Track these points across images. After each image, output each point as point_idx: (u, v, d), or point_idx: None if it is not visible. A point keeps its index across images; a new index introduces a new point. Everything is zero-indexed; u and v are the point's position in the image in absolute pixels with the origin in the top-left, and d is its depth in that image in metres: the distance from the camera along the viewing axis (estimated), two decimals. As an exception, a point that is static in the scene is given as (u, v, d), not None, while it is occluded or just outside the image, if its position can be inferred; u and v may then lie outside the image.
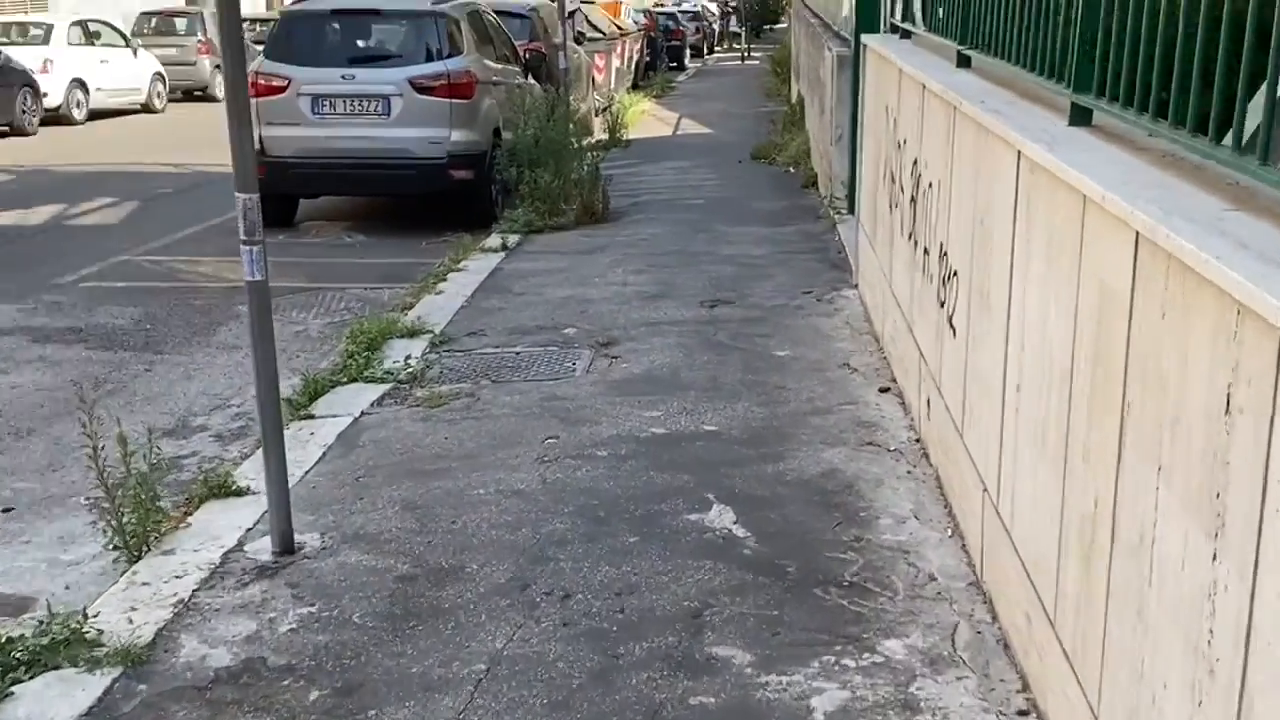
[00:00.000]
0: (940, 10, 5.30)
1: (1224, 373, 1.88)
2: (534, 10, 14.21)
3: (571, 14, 15.67)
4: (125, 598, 3.76)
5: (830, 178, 9.87)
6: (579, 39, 16.40)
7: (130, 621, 3.59)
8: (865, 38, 7.09)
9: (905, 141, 5.35)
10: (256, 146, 9.54)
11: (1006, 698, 3.08)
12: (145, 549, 4.10)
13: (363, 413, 5.37)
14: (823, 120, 10.81)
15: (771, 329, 6.53)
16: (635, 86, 22.34)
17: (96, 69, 19.48)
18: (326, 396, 5.61)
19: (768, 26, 46.28)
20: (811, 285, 7.46)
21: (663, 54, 28.31)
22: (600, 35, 18.72)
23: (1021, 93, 3.88)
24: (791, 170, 12.31)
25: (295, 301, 7.76)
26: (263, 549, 4.04)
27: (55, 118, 18.35)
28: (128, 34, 21.46)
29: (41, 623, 3.50)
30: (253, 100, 9.73)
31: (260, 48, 10.88)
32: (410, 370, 5.92)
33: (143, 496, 4.11)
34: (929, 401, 4.62)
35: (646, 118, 18.44)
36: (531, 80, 11.80)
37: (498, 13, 12.34)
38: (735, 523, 4.13)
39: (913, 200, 5.09)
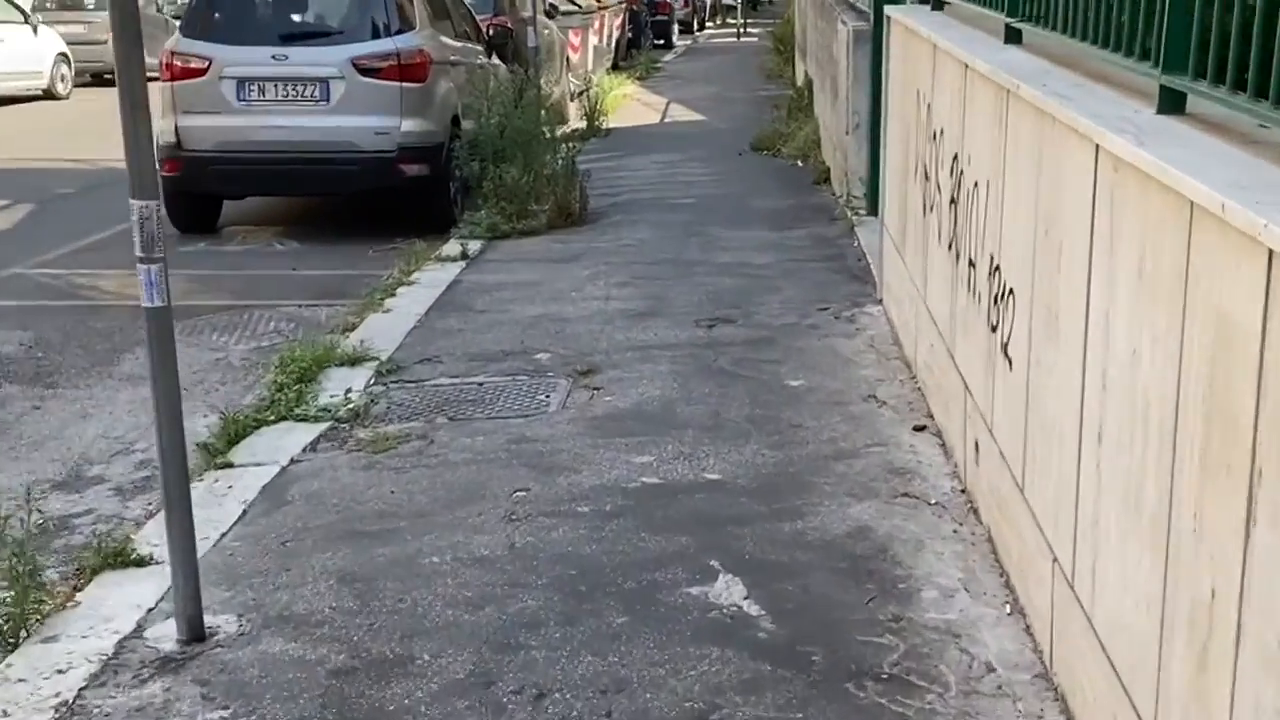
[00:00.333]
0: (983, -25, 5.09)
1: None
2: (499, -21, 14.04)
3: (542, -17, 15.51)
4: (-6, 700, 3.49)
5: (846, 172, 9.66)
6: (551, 13, 16.22)
7: (-2, 732, 3.32)
8: (889, 9, 6.88)
9: (942, 132, 5.13)
10: (172, 139, 9.44)
11: (1090, 825, 2.84)
12: (23, 635, 3.83)
13: (292, 460, 5.10)
14: (836, 106, 10.62)
15: (782, 353, 6.30)
16: (616, 67, 22.15)
17: (-11, 49, 19.22)
18: (249, 439, 5.34)
19: (767, -1, 46.29)
20: (827, 300, 7.23)
21: (647, 30, 28.15)
22: (576, 8, 18.55)
23: (1088, 73, 3.66)
24: (799, 164, 12.11)
25: (215, 323, 7.49)
26: (166, 635, 3.77)
27: (-62, 106, 18.10)
28: (26, 9, 21.17)
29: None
30: (167, 85, 9.63)
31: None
32: (351, 406, 5.67)
33: (19, 571, 3.84)
34: (977, 445, 4.38)
35: (630, 103, 18.25)
36: (496, 60, 11.59)
37: (457, -18, 12.15)
38: (746, 597, 3.88)
39: (953, 202, 4.86)
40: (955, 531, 4.29)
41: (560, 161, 9.96)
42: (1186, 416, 2.40)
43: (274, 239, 9.88)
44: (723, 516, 4.45)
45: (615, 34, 22.88)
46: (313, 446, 5.25)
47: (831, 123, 11.23)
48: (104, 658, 3.68)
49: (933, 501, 4.53)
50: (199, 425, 5.76)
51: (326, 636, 3.72)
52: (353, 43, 9.55)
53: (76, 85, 21.09)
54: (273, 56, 9.42)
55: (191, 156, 9.41)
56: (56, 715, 3.39)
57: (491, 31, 11.86)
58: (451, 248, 8.77)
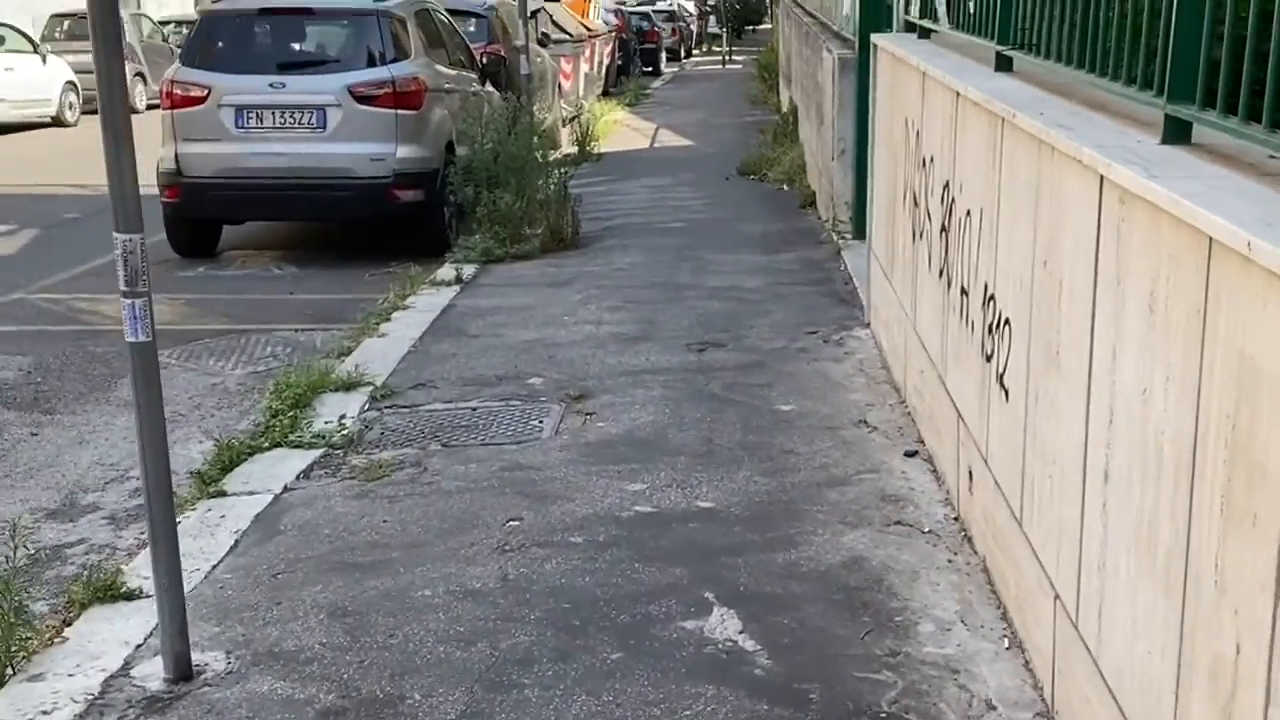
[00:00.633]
0: (971, 4, 4.90)
1: None
2: (492, 9, 13.85)
3: (534, 14, 15.33)
4: (-26, 744, 3.27)
5: (832, 197, 9.47)
6: (543, 41, 16.04)
7: (-23, 779, 3.10)
8: (875, 37, 6.70)
9: (932, 159, 4.93)
10: (172, 165, 9.22)
11: None
12: (9, 672, 3.60)
13: (286, 488, 4.88)
14: (822, 132, 10.43)
15: (772, 377, 6.09)
16: (606, 94, 21.98)
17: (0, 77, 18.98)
18: (243, 466, 5.12)
19: (750, 27, 46.15)
20: (816, 323, 7.03)
21: (636, 58, 28.02)
22: (567, 37, 18.35)
23: (1083, 101, 3.47)
24: (785, 188, 11.92)
25: (213, 347, 7.27)
26: (153, 673, 3.55)
27: (-49, 132, 17.87)
28: (36, 39, 20.94)
29: None
30: (167, 112, 9.41)
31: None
32: (345, 432, 5.45)
33: (3, 609, 3.61)
34: (971, 473, 4.18)
35: (620, 128, 18.05)
36: (490, 88, 11.39)
37: (452, 12, 11.95)
38: (741, 632, 3.66)
39: (943, 230, 4.67)
40: (950, 561, 4.08)
41: (553, 186, 9.74)
42: (1206, 460, 2.20)
43: (272, 263, 9.66)
44: (716, 546, 4.24)
45: (605, 61, 22.70)
46: (306, 474, 5.03)
47: (817, 148, 11.05)
48: (90, 698, 3.46)
49: (926, 529, 4.33)
50: (194, 452, 5.56)
51: (316, 675, 3.51)
52: (349, 71, 9.35)
53: (84, 113, 20.81)
54: (270, 85, 9.21)
55: (191, 183, 9.21)
56: (39, 759, 3.18)
57: (485, 59, 11.64)
58: (446, 272, 8.56)
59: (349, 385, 6.08)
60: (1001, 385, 3.72)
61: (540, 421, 5.58)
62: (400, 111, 9.20)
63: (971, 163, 4.20)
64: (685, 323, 7.14)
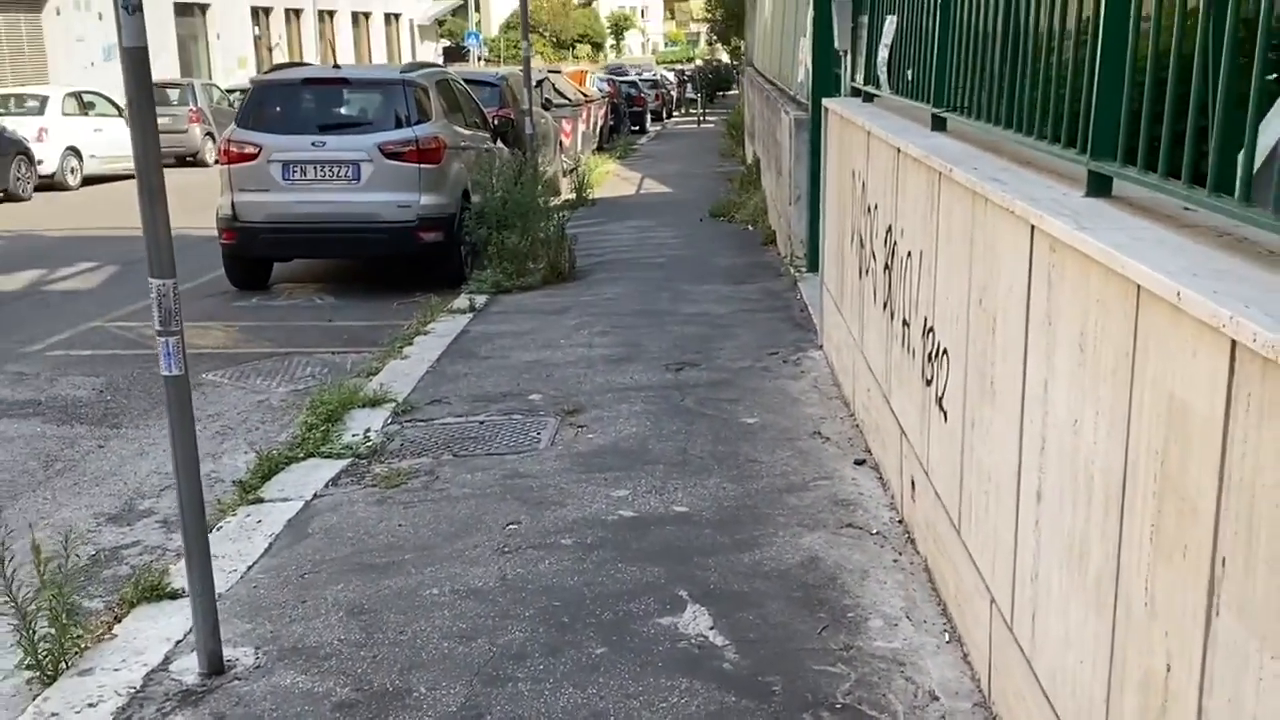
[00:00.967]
0: (910, 72, 4.68)
1: None
2: (503, 79, 13.62)
3: (539, 82, 15.11)
4: (25, 736, 3.02)
5: (790, 236, 9.25)
6: (547, 105, 15.80)
7: (24, 770, 2.85)
8: (826, 101, 6.47)
9: (876, 207, 4.71)
10: (229, 212, 8.98)
11: None
12: (63, 666, 3.36)
13: (316, 495, 4.64)
14: (780, 180, 10.21)
15: (739, 393, 5.86)
16: (600, 149, 21.71)
17: (90, 137, 18.69)
18: (280, 475, 4.87)
19: (721, 93, 46.03)
20: (776, 345, 6.80)
21: (625, 119, 27.77)
22: (567, 102, 18.12)
23: (1011, 157, 3.25)
24: (750, 228, 11.68)
25: (260, 368, 7.01)
26: (189, 668, 3.30)
27: (50, 184, 17.57)
28: (121, 105, 20.66)
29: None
30: (225, 167, 9.15)
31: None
32: (370, 444, 5.20)
33: (58, 610, 3.36)
34: (913, 482, 3.95)
35: (611, 178, 17.81)
36: (500, 145, 11.15)
37: (470, 82, 11.76)
38: (712, 628, 3.42)
39: (887, 268, 4.44)
40: (895, 561, 3.85)
41: (553, 228, 9.50)
42: (1136, 492, 1.98)
43: (315, 294, 9.39)
44: (690, 548, 4.00)
45: (599, 122, 22.47)
46: (335, 481, 4.79)
47: (776, 194, 10.83)
48: (132, 690, 3.22)
49: (874, 531, 4.09)
50: (239, 462, 5.32)
51: (334, 669, 3.26)
52: (379, 132, 9.10)
53: (163, 166, 20.53)
54: (312, 143, 8.97)
55: (245, 227, 8.97)
56: (82, 750, 2.93)
57: (496, 121, 11.42)
58: (461, 301, 8.31)
59: (375, 401, 5.83)
60: (940, 407, 3.49)
61: (538, 433, 5.34)
62: (423, 165, 8.97)
63: (911, 210, 3.98)
64: (664, 345, 6.90)
